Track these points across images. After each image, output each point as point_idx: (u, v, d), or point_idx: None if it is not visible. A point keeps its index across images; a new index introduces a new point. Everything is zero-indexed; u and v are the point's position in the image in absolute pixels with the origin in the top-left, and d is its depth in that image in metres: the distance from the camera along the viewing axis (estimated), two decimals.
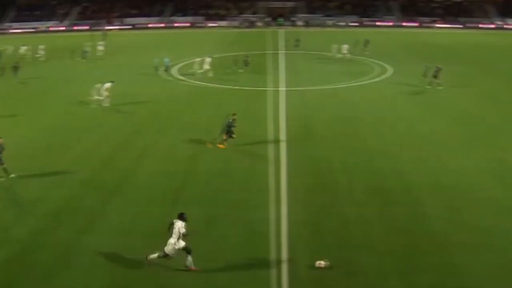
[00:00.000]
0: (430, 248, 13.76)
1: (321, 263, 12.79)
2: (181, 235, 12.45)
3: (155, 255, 12.74)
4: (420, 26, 77.03)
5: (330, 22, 78.25)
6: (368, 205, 16.19)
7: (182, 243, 12.51)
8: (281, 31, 71.57)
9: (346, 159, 20.28)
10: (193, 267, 12.61)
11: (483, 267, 12.85)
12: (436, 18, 79.10)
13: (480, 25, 76.51)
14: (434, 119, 26.20)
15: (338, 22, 78.16)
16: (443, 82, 32.96)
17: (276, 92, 32.08)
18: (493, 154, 20.95)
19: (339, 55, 44.79)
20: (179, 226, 12.47)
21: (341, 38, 53.30)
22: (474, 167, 19.49)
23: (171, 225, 12.60)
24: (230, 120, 21.24)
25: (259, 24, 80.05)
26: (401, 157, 20.48)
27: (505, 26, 76.73)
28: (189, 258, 12.55)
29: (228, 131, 21.17)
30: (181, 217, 12.67)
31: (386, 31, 71.59)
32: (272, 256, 13.38)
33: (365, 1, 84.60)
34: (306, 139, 22.79)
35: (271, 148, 21.54)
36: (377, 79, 36.98)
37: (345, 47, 44.54)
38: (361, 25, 77.54)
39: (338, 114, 26.93)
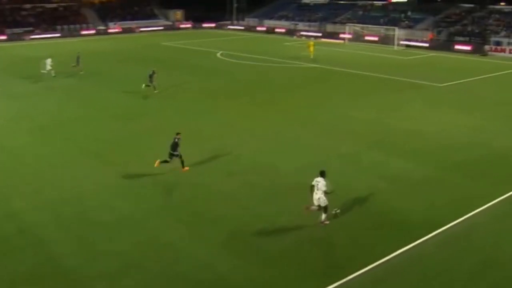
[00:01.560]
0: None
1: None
2: (323, 191, 16.44)
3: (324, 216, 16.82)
4: (9, 39, 73.25)
5: None
6: None
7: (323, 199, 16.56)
8: None
9: None
10: (326, 222, 16.88)
11: None
12: (29, 29, 78.11)
13: (83, 32, 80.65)
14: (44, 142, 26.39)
15: None
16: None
17: None
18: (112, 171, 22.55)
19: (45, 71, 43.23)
20: (323, 183, 16.51)
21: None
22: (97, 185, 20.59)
23: (313, 186, 16.70)
24: (176, 141, 21.43)
25: None
26: (14, 196, 19.82)
27: (108, 31, 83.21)
28: (324, 215, 16.77)
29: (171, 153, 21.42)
30: (322, 174, 16.68)
31: None
32: None
33: None
34: None
35: None
36: None
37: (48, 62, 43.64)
38: None
39: None
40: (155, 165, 21.51)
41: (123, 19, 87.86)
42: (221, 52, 59.93)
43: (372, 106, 33.78)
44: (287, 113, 31.83)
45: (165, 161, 21.58)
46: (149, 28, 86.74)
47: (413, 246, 15.84)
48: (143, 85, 37.16)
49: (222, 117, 30.82)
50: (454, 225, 17.27)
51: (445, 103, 35.13)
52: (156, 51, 62.27)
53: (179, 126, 28.59)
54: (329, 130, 28.22)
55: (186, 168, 21.86)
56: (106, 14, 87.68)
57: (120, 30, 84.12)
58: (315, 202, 16.76)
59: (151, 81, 37.15)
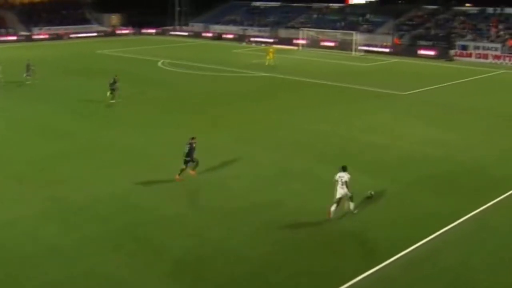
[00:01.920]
0: None
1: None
2: (343, 183, 19.15)
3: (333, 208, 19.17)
4: None
5: None
6: None
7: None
8: None
9: None
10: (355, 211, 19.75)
11: None
12: None
13: (2, 38, 79.09)
14: None
15: None
16: None
17: None
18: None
19: None
20: (347, 177, 19.18)
21: None
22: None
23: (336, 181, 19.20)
24: (193, 145, 22.77)
25: None
26: None
27: (33, 37, 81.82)
28: (352, 204, 19.58)
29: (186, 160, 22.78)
30: (345, 169, 19.47)
31: None
32: None
33: None
34: None
35: None
36: None
37: None
38: None
39: None
40: (176, 179, 22.82)
41: (50, 23, 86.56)
42: (164, 60, 59.83)
43: (330, 117, 34.37)
44: (239, 127, 32.04)
45: (181, 170, 22.88)
46: (82, 34, 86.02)
47: (377, 270, 16.06)
48: (108, 93, 37.63)
49: (166, 133, 30.65)
50: (421, 245, 17.64)
51: (409, 113, 36.08)
52: (90, 60, 61.73)
53: (115, 144, 28.47)
54: (284, 145, 28.51)
55: (194, 172, 23.30)
56: (29, 18, 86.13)
57: (47, 36, 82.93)
58: (340, 196, 19.20)
59: (113, 88, 37.84)
